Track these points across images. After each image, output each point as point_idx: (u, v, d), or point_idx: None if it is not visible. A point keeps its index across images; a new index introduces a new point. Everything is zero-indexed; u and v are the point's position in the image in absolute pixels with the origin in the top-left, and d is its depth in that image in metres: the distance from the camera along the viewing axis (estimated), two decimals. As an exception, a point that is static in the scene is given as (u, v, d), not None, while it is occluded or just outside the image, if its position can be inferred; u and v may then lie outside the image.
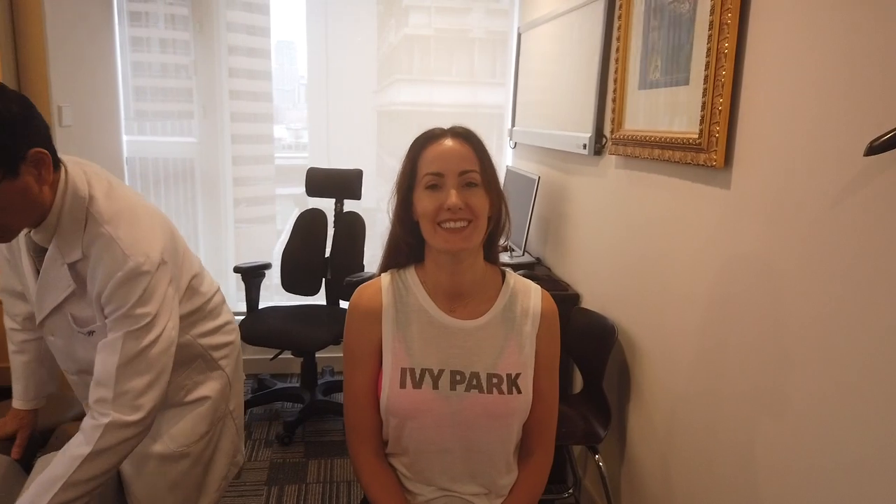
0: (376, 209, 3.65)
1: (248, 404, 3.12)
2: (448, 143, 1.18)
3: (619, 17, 2.04)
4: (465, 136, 1.20)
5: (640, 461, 1.99)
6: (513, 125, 3.49)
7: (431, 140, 1.19)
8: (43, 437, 1.58)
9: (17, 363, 1.52)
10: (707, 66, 1.51)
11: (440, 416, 1.20)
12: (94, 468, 1.19)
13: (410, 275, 1.28)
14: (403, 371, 1.21)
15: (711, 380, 1.59)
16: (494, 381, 1.21)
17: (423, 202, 1.17)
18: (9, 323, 1.53)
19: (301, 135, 3.88)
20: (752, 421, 1.43)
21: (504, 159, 3.69)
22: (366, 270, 3.09)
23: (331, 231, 3.23)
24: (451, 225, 1.15)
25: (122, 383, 1.21)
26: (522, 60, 3.32)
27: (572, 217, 2.59)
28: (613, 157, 2.16)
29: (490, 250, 1.27)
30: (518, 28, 3.42)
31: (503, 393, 1.21)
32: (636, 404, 2.02)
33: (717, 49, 1.47)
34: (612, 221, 2.21)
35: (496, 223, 1.24)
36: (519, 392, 1.22)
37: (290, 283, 3.18)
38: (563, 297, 2.46)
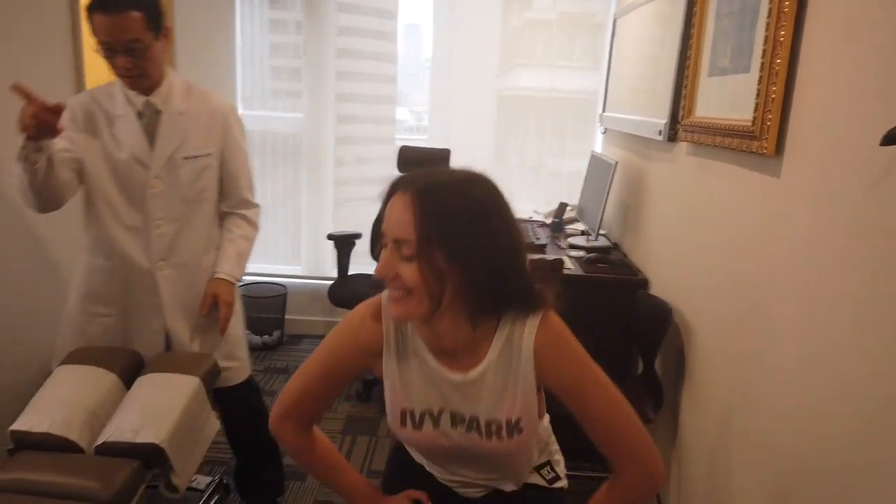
0: None
1: (334, 361, 3.38)
2: (401, 200, 1.03)
3: (696, 3, 2.04)
4: (422, 195, 1.02)
5: (689, 446, 2.02)
6: (603, 110, 3.50)
7: (395, 190, 1.07)
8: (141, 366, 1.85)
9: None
10: (763, 54, 1.51)
11: (445, 448, 1.24)
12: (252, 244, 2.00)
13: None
14: (404, 411, 1.21)
15: (757, 370, 1.61)
16: (494, 427, 1.18)
17: None
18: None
19: (423, 117, 4.04)
20: (800, 415, 1.44)
21: (594, 145, 3.70)
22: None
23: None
24: (392, 292, 1.07)
25: (252, 185, 2.01)
26: (616, 45, 3.32)
27: (648, 203, 2.61)
28: (684, 143, 2.16)
29: (480, 307, 1.10)
30: (614, 13, 3.42)
31: (502, 439, 1.18)
32: (689, 389, 2.04)
33: (774, 37, 1.47)
34: (679, 208, 2.22)
35: (475, 285, 1.05)
36: (521, 433, 1.18)
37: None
38: (630, 282, 2.49)
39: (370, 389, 3.13)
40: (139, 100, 1.76)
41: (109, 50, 1.62)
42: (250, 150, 3.84)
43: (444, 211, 1.02)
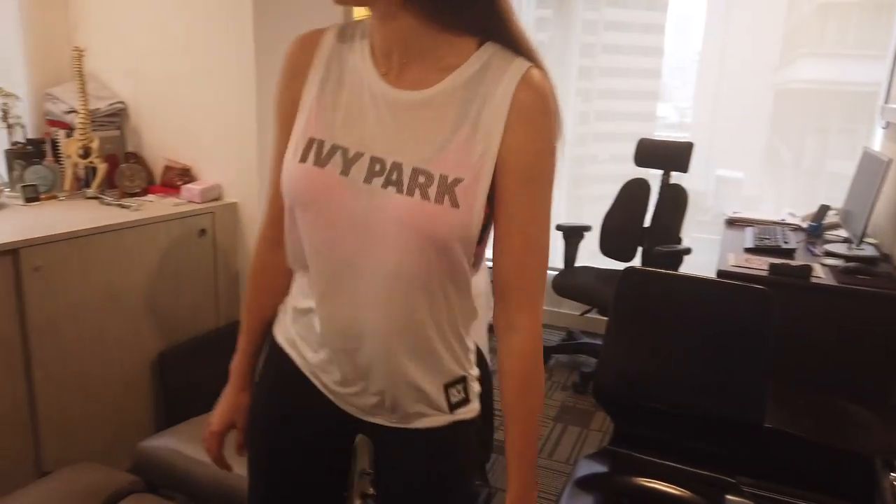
0: (756, 196, 3.50)
1: (554, 350, 3.46)
2: None
3: None
4: None
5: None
6: (885, 101, 3.02)
7: None
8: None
9: None
10: None
11: (341, 210, 0.88)
12: None
13: (363, 24, 0.94)
14: (310, 142, 0.90)
15: None
16: (420, 179, 0.84)
17: None
18: None
19: (686, 114, 3.91)
20: None
21: (871, 143, 3.22)
22: (682, 245, 3.10)
23: (653, 201, 3.30)
24: None
25: None
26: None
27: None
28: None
29: (442, 9, 0.84)
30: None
31: (428, 199, 0.84)
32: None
33: None
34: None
35: None
36: (454, 205, 0.84)
37: (607, 247, 3.35)
38: (889, 299, 2.15)
39: (587, 383, 3.12)
40: None
41: None
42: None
43: None
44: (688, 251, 3.03)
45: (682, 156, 3.16)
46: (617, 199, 3.34)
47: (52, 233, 1.86)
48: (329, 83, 0.91)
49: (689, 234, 3.25)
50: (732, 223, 3.19)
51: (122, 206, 2.23)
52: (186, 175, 2.46)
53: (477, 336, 1.68)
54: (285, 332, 1.03)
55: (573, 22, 3.71)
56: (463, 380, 0.99)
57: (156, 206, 2.29)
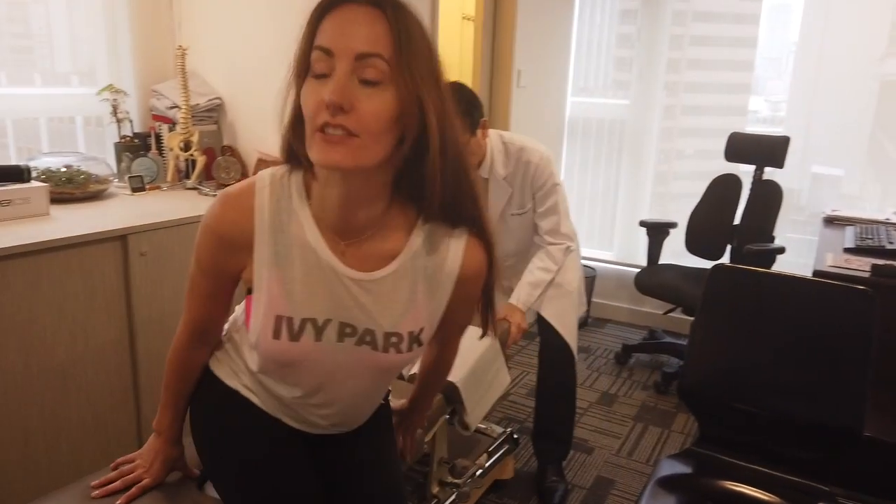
0: (856, 194, 3.35)
1: (635, 349, 3.38)
2: (363, 11, 0.83)
3: None
4: (395, 10, 0.83)
5: None
6: None
7: (335, 4, 0.85)
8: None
9: None
10: None
11: (317, 365, 1.03)
12: (552, 276, 2.14)
13: (297, 187, 0.97)
14: (279, 319, 0.97)
15: None
16: (393, 340, 1.01)
17: (306, 96, 0.86)
18: None
19: (780, 108, 3.75)
20: None
21: None
22: (775, 244, 2.97)
23: (744, 198, 3.17)
24: (330, 132, 0.83)
25: (565, 226, 2.13)
26: None
27: None
28: None
29: (409, 186, 0.94)
30: None
31: (401, 352, 1.02)
32: None
33: None
34: None
35: (420, 145, 0.88)
36: (419, 346, 1.04)
37: (694, 244, 3.25)
38: None
39: (669, 383, 3.04)
40: None
41: None
42: (578, 137, 4.05)
43: (409, 24, 0.84)
44: (781, 250, 2.89)
45: (777, 150, 3.02)
46: (705, 194, 3.24)
47: (157, 220, 1.98)
48: (279, 257, 0.97)
49: (782, 233, 3.11)
50: (831, 222, 3.03)
51: (219, 197, 2.34)
52: (277, 167, 2.55)
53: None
54: (242, 382, 1.13)
55: (662, 13, 3.61)
56: None
57: (249, 196, 2.39)
